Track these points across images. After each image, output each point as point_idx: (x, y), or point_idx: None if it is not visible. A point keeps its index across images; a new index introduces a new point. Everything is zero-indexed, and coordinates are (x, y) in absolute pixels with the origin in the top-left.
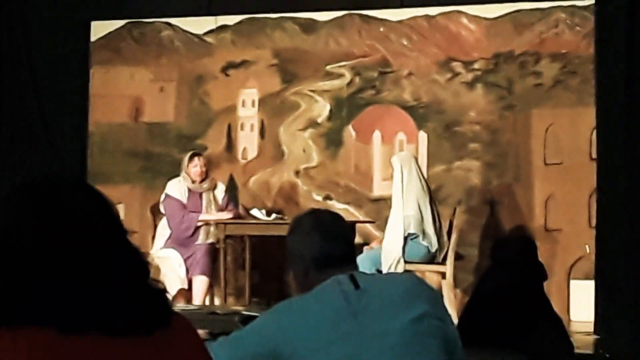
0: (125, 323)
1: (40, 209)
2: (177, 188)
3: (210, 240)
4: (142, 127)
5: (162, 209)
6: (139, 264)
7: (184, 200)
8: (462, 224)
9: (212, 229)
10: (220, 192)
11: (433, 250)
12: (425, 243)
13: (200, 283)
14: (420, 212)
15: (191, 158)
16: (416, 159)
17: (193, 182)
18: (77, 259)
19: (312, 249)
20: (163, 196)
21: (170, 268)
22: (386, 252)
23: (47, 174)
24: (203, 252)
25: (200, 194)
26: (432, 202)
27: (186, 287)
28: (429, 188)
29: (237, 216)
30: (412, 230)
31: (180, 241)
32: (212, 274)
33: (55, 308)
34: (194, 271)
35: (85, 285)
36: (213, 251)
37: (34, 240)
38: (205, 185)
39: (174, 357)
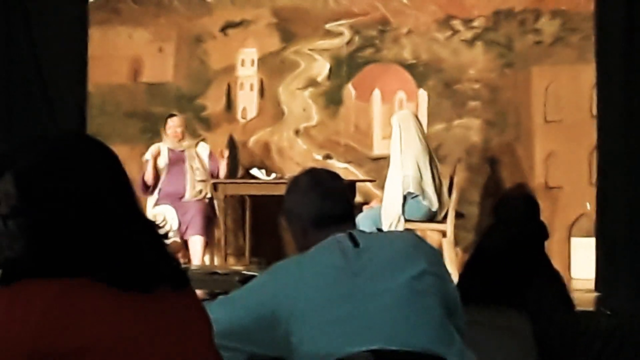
0: (138, 278)
1: (65, 165)
2: (155, 150)
3: (200, 197)
4: (141, 87)
5: None
6: (149, 223)
7: (164, 162)
8: (463, 183)
9: (198, 183)
10: (203, 149)
11: (434, 209)
12: (425, 202)
13: (197, 243)
14: (420, 171)
15: (166, 119)
16: (417, 117)
17: (172, 141)
18: (93, 215)
19: (310, 208)
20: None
21: (164, 221)
22: (386, 212)
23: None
24: (196, 211)
25: (182, 151)
26: (432, 161)
27: (178, 239)
28: (428, 147)
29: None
30: (411, 190)
31: (169, 199)
32: (208, 233)
33: (65, 260)
34: (189, 232)
35: (99, 238)
36: (207, 210)
37: (54, 195)
38: (184, 143)
39: (174, 317)
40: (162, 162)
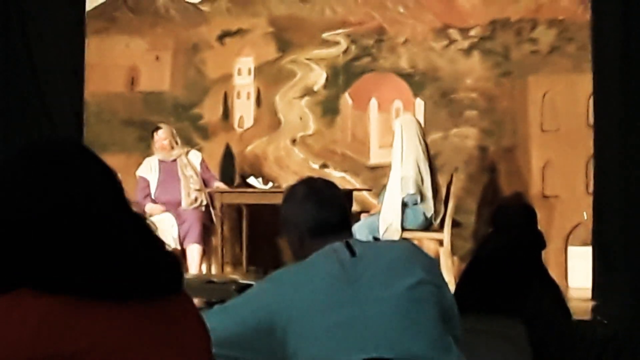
0: (131, 289)
1: (46, 171)
2: (146, 166)
3: (197, 205)
4: (138, 96)
5: None
6: (145, 226)
7: (156, 174)
8: (459, 191)
9: (192, 190)
10: (195, 157)
11: (429, 214)
12: (423, 208)
13: (195, 252)
14: (421, 174)
15: (152, 134)
16: (419, 123)
17: (162, 153)
18: (84, 223)
19: (306, 217)
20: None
21: (163, 228)
22: (384, 215)
23: (48, 138)
24: (194, 219)
25: (174, 161)
26: (432, 167)
27: (179, 247)
28: (429, 153)
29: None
30: (411, 191)
31: (166, 206)
32: (206, 241)
33: (57, 269)
34: (187, 240)
35: (89, 248)
36: (205, 218)
37: (40, 203)
38: (174, 152)
39: (172, 326)
40: (154, 177)
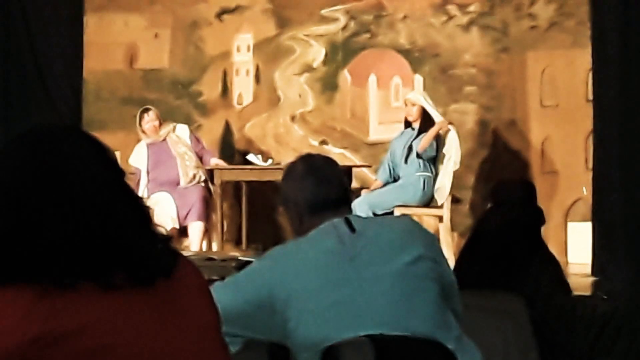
0: (126, 275)
1: (38, 157)
2: (136, 155)
3: (195, 182)
4: (137, 73)
5: None
6: (139, 209)
7: (144, 160)
8: (459, 167)
9: (189, 168)
10: (183, 131)
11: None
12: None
13: (197, 229)
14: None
15: (141, 115)
16: None
17: (150, 135)
18: (76, 206)
19: (305, 194)
20: None
21: (162, 208)
22: (443, 183)
23: (42, 123)
24: (197, 197)
25: (164, 140)
26: None
27: (177, 227)
28: None
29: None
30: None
31: (165, 187)
32: (208, 219)
33: (49, 261)
34: (190, 218)
35: (84, 234)
36: (207, 196)
37: (31, 190)
38: (163, 131)
39: (177, 304)
40: (143, 163)
